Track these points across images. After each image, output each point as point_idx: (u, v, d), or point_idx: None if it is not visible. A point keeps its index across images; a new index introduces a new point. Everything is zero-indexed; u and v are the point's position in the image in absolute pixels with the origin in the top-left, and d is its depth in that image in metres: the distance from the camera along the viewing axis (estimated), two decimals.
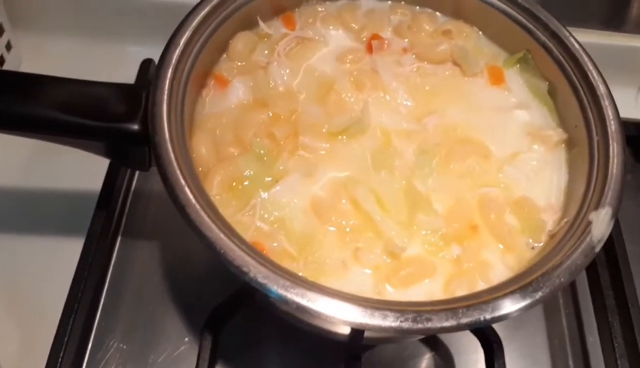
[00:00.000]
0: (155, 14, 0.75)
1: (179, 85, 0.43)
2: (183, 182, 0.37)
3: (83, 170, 0.61)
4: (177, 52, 0.44)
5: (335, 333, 0.47)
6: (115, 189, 0.59)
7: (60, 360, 0.50)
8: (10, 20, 0.74)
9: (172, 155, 0.38)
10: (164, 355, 0.55)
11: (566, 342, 0.60)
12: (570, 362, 0.59)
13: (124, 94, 0.44)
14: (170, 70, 0.43)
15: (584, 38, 0.51)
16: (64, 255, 0.56)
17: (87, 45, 0.78)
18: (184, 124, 0.43)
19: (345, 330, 0.45)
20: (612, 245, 0.61)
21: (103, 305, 0.57)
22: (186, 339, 0.55)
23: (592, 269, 0.61)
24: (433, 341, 0.58)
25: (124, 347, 0.55)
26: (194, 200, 0.37)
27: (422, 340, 0.57)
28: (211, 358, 0.49)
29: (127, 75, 0.69)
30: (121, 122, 0.43)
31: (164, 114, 0.41)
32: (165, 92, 0.42)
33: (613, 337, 0.56)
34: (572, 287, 0.64)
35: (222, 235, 0.36)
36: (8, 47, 0.73)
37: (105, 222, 0.57)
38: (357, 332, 0.44)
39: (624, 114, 0.69)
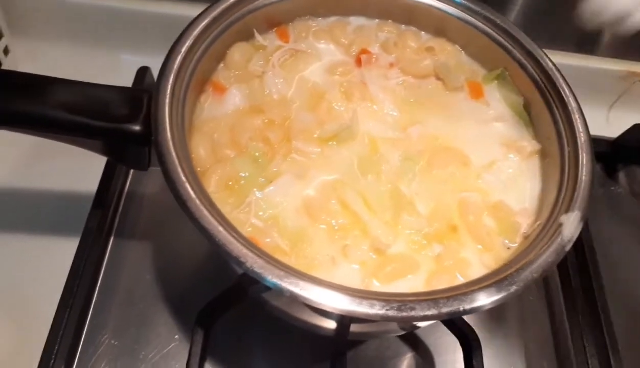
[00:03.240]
0: (150, 24, 0.78)
1: (180, 90, 0.46)
2: (184, 178, 0.40)
3: (78, 171, 0.63)
4: (179, 59, 0.47)
5: (323, 328, 0.49)
6: (110, 190, 0.61)
7: (54, 355, 0.51)
8: (8, 25, 0.76)
9: (173, 153, 0.41)
10: (155, 351, 0.56)
11: (541, 345, 0.63)
12: (545, 364, 0.62)
13: (126, 97, 0.46)
14: (172, 76, 0.45)
15: (560, 60, 0.54)
16: (57, 253, 0.58)
17: (83, 53, 0.80)
18: (184, 127, 0.45)
19: (332, 324, 0.48)
20: (584, 254, 0.64)
21: (95, 302, 0.58)
22: (176, 336, 0.57)
23: (565, 276, 0.64)
24: (414, 340, 0.60)
25: (116, 343, 0.56)
26: (194, 195, 0.39)
27: (403, 339, 0.60)
28: (202, 353, 0.51)
29: (122, 82, 0.71)
30: (124, 123, 0.45)
31: (166, 115, 0.43)
32: (168, 95, 0.44)
33: (584, 339, 0.59)
34: (546, 292, 0.67)
35: (220, 228, 0.38)
36: (5, 51, 0.75)
37: (100, 221, 0.58)
38: (343, 325, 0.46)
39: (596, 131, 0.74)
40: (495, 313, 0.64)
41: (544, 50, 0.55)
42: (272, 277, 0.37)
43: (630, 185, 0.78)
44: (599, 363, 0.58)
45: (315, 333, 0.53)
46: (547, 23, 0.90)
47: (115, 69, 0.80)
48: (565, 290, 0.64)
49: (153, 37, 0.73)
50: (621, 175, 0.78)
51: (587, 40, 0.89)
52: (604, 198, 0.77)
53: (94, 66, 0.79)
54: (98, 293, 0.59)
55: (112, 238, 0.63)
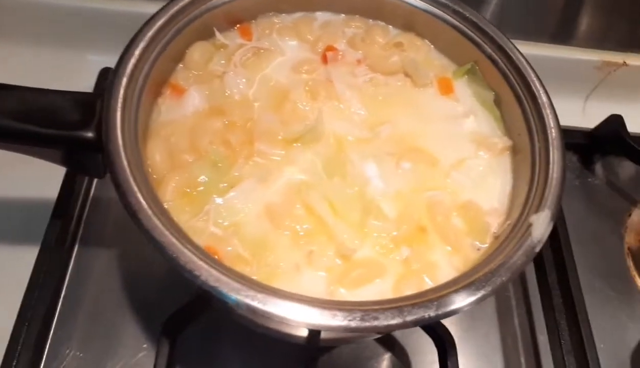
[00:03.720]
0: (116, 23, 0.75)
1: (134, 93, 0.44)
2: (135, 188, 0.38)
3: (39, 178, 0.60)
4: (133, 61, 0.45)
5: (292, 336, 0.48)
6: (73, 197, 0.59)
7: None
8: None
9: (124, 162, 0.39)
10: (122, 363, 0.54)
11: (518, 341, 0.63)
12: (522, 360, 0.62)
13: (78, 102, 0.44)
14: (124, 79, 0.43)
15: (535, 51, 0.53)
16: (19, 265, 0.55)
17: (47, 54, 0.77)
18: (138, 132, 0.43)
19: (302, 332, 0.46)
20: (560, 247, 0.64)
21: (59, 314, 0.56)
22: (144, 346, 0.55)
23: (540, 270, 0.63)
24: (390, 342, 0.59)
25: (81, 355, 0.54)
26: (146, 206, 0.37)
27: (379, 342, 0.59)
28: (168, 365, 0.49)
29: (87, 83, 0.69)
30: (76, 130, 0.43)
31: (118, 121, 0.41)
32: (120, 100, 0.42)
33: (560, 335, 0.58)
34: (523, 287, 0.66)
35: (174, 240, 0.36)
36: None
37: (61, 230, 0.56)
38: (313, 334, 0.45)
39: (572, 122, 0.73)
40: (471, 310, 0.63)
41: (514, 43, 0.54)
42: (229, 291, 0.35)
43: (607, 176, 0.77)
44: (576, 359, 0.57)
45: (286, 341, 0.51)
46: (523, 14, 0.90)
47: (81, 70, 0.77)
48: (542, 286, 0.63)
49: (120, 36, 0.70)
50: (598, 166, 0.78)
51: (562, 31, 0.89)
52: (580, 190, 0.76)
53: (59, 67, 0.77)
54: (62, 304, 0.57)
55: (76, 247, 0.60)
